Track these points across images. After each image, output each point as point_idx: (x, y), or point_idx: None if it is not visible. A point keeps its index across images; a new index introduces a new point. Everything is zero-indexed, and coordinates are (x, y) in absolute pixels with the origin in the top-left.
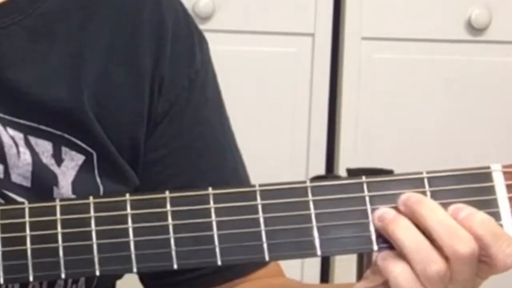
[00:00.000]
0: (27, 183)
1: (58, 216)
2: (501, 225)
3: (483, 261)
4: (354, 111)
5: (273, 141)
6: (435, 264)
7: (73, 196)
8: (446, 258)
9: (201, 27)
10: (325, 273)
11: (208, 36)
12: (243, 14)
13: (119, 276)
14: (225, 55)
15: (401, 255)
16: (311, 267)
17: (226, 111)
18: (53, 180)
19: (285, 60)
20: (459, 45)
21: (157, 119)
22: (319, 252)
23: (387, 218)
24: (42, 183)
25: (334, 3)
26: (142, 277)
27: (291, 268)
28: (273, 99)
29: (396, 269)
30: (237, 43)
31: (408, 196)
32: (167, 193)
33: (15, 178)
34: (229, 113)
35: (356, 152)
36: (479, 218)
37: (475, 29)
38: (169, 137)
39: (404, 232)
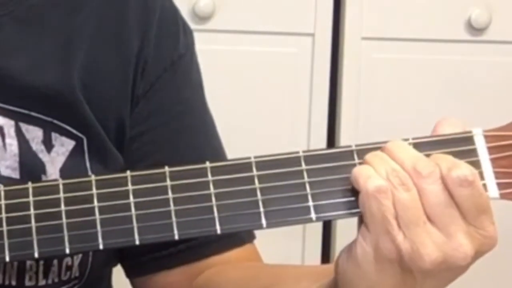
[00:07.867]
0: (15, 175)
1: (61, 194)
2: (484, 185)
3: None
4: (354, 111)
5: (273, 141)
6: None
7: None
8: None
9: (201, 27)
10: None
11: (208, 36)
12: (243, 14)
13: (113, 264)
14: (225, 55)
15: None
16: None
17: (207, 102)
18: (41, 168)
19: (285, 60)
20: (459, 45)
21: (138, 99)
22: (314, 218)
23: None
24: (30, 173)
25: (334, 3)
26: (123, 259)
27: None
28: (273, 99)
29: None
30: (237, 43)
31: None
32: (166, 168)
33: (3, 171)
34: (229, 114)
35: None
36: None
37: (475, 29)
38: (147, 114)
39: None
